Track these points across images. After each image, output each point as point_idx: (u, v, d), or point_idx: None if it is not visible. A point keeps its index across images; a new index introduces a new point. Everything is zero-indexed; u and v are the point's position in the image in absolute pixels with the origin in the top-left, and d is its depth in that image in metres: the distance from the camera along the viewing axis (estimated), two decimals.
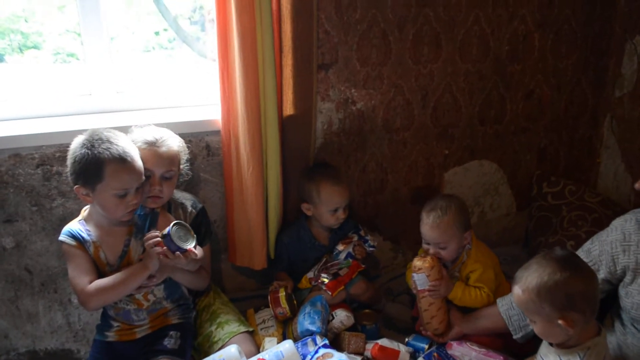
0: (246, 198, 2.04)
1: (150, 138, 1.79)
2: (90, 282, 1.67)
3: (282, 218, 2.17)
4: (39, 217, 2.01)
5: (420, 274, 1.89)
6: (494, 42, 2.29)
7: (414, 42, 2.18)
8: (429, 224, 1.93)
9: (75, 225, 1.73)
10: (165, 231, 1.65)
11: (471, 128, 2.40)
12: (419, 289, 1.91)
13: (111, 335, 1.81)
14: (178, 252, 1.66)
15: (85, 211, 1.77)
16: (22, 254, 2.05)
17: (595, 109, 2.54)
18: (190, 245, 1.68)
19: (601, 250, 1.62)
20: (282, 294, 2.00)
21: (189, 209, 1.94)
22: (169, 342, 1.78)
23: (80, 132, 1.69)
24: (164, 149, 1.80)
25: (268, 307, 2.06)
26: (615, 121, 2.50)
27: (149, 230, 1.75)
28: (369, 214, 2.40)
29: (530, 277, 1.37)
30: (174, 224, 1.66)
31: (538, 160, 2.57)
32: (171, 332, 1.81)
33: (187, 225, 1.72)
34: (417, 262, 1.92)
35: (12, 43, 2.23)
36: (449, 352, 1.89)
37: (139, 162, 1.68)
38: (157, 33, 2.39)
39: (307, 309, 1.97)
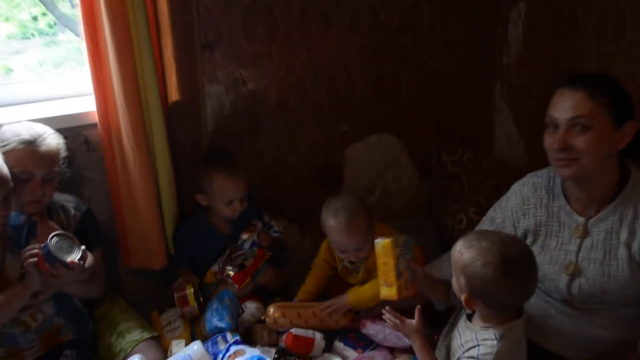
0: (136, 194, 1.89)
1: (27, 137, 1.59)
2: None
3: (178, 211, 2.03)
4: None
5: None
6: (383, 13, 2.25)
7: (301, 16, 2.10)
8: (342, 229, 1.80)
9: None
10: (44, 245, 1.48)
11: (368, 102, 2.36)
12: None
13: None
14: (61, 266, 1.49)
15: None
16: None
17: (486, 75, 2.59)
18: (76, 256, 1.52)
19: (503, 217, 1.64)
20: (189, 291, 1.91)
21: (72, 211, 1.77)
22: None
23: None
24: (44, 148, 1.61)
25: (173, 307, 1.95)
26: (505, 87, 2.56)
27: (26, 242, 1.57)
28: (270, 198, 2.30)
29: (472, 250, 1.34)
30: (53, 236, 1.49)
31: (435, 129, 2.59)
32: (66, 352, 1.68)
33: (69, 234, 1.55)
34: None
35: None
36: (363, 331, 1.86)
37: (4, 169, 1.48)
38: (35, 18, 2.15)
39: (215, 305, 1.89)
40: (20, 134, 1.60)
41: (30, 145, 1.59)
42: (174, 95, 1.89)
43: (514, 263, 1.31)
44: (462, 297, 1.35)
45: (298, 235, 2.45)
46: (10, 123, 1.66)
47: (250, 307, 1.93)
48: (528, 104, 2.46)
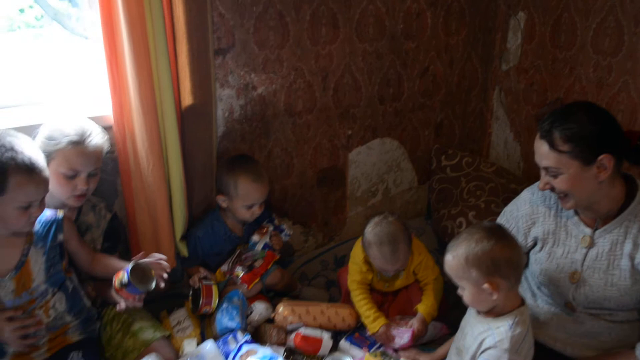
0: (148, 196, 1.92)
1: (75, 137, 1.65)
2: None
3: (188, 213, 2.07)
4: None
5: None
6: (389, 20, 2.31)
7: (311, 23, 2.14)
8: (387, 260, 1.87)
9: None
10: (125, 280, 1.58)
11: (372, 107, 2.43)
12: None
13: None
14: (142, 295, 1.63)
15: None
16: None
17: (485, 82, 2.67)
18: (152, 283, 1.62)
19: (516, 226, 1.71)
20: (214, 284, 1.94)
21: (103, 211, 1.84)
22: None
23: None
24: (91, 147, 1.68)
25: (182, 307, 1.98)
26: (504, 93, 2.63)
27: (53, 238, 1.61)
28: (277, 199, 2.36)
29: (460, 245, 1.42)
30: (130, 270, 1.58)
31: (435, 134, 2.67)
32: (72, 354, 1.68)
33: (138, 263, 1.63)
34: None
35: None
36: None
37: (46, 172, 1.52)
38: (21, 10, 2.12)
39: (225, 305, 1.92)
40: (69, 133, 1.64)
41: (79, 146, 1.65)
42: (187, 99, 1.91)
43: (490, 228, 1.45)
44: (486, 286, 1.40)
45: (302, 237, 2.50)
46: (57, 120, 1.70)
47: (259, 307, 1.96)
48: (525, 111, 2.53)
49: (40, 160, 1.51)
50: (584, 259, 1.55)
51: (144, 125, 1.81)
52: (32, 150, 1.50)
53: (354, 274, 2.00)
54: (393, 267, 1.90)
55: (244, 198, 1.99)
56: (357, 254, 2.00)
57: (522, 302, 1.47)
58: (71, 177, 1.66)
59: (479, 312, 1.51)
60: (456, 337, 1.61)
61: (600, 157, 1.41)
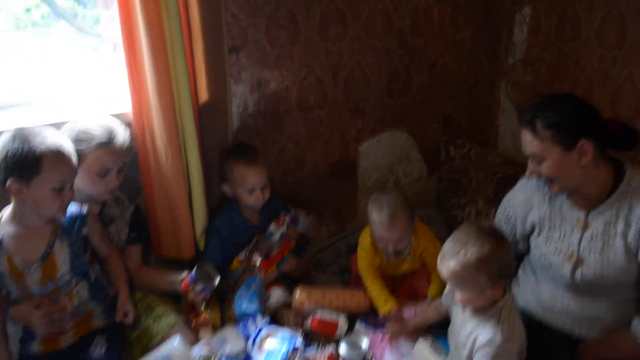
0: (168, 189, 2.01)
1: (103, 139, 1.76)
2: None
3: (207, 205, 2.16)
4: None
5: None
6: (396, 17, 2.38)
7: (321, 21, 2.23)
8: (384, 225, 1.93)
9: None
10: (199, 287, 1.85)
11: (381, 101, 2.50)
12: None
13: (35, 347, 1.72)
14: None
15: (5, 212, 1.67)
16: None
17: (492, 75, 2.73)
18: (217, 279, 1.87)
19: (514, 213, 1.79)
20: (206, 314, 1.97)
21: (126, 203, 1.96)
22: (95, 350, 1.75)
23: None
24: (117, 145, 1.80)
25: None
26: (510, 86, 2.69)
27: (78, 232, 1.72)
28: (291, 191, 2.45)
29: (470, 252, 1.45)
30: (195, 272, 1.84)
31: (444, 126, 2.73)
32: (97, 338, 1.78)
33: (200, 265, 1.87)
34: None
35: None
36: None
37: (74, 157, 1.63)
38: (28, 10, 2.20)
39: (243, 291, 2.01)
40: (97, 135, 1.75)
41: (107, 146, 1.77)
42: (203, 95, 2.01)
43: (493, 231, 1.53)
44: (489, 291, 1.48)
45: (316, 226, 2.58)
46: (81, 120, 1.80)
47: (276, 293, 2.05)
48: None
49: (67, 145, 1.61)
50: (580, 241, 1.63)
51: (162, 121, 1.90)
52: (59, 138, 1.60)
53: (363, 259, 2.09)
54: (391, 234, 1.94)
55: (242, 183, 2.06)
56: (364, 238, 2.09)
57: (504, 291, 1.54)
58: (103, 175, 1.78)
59: (464, 309, 1.57)
60: (451, 331, 1.68)
61: (580, 142, 1.50)
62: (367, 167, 2.60)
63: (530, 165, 1.61)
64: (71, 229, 1.71)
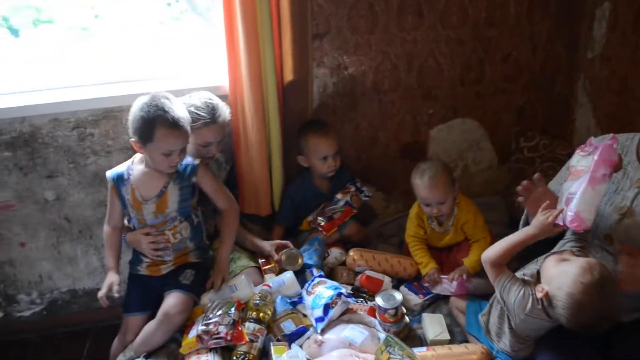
0: (251, 154, 2.32)
1: (208, 117, 2.12)
2: (113, 226, 2.10)
3: (284, 171, 2.45)
4: (75, 173, 2.35)
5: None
6: (472, 9, 2.51)
7: (398, 12, 2.42)
8: (426, 186, 2.16)
9: (121, 168, 2.08)
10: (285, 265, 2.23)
11: (453, 89, 2.64)
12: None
13: (142, 269, 2.13)
14: None
15: (138, 155, 2.08)
16: (62, 205, 2.40)
17: (569, 69, 2.75)
18: (301, 261, 2.24)
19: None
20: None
21: (223, 164, 2.34)
22: (183, 278, 2.06)
23: (110, 99, 2.08)
24: (220, 122, 2.16)
25: None
26: (588, 80, 2.71)
27: (189, 178, 2.06)
28: (363, 167, 2.68)
29: (571, 284, 1.56)
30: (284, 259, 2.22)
31: (517, 117, 2.80)
32: (187, 270, 2.10)
33: (293, 249, 2.25)
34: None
35: (25, 18, 2.34)
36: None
37: (187, 128, 1.97)
38: (169, 4, 2.54)
39: (306, 247, 2.31)
40: (202, 115, 2.11)
41: (211, 124, 2.13)
42: (288, 76, 2.29)
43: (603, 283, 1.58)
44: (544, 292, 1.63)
45: (384, 202, 2.81)
46: (191, 97, 2.15)
47: (335, 252, 2.32)
48: (607, 98, 2.61)
49: (183, 118, 1.95)
50: (635, 198, 1.73)
51: (251, 95, 2.21)
52: (178, 111, 1.94)
53: (410, 229, 2.31)
54: (432, 194, 2.15)
55: (315, 152, 2.33)
56: (412, 209, 2.31)
57: None
58: (205, 146, 2.16)
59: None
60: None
61: None
62: (437, 152, 2.75)
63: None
64: (183, 175, 2.07)
